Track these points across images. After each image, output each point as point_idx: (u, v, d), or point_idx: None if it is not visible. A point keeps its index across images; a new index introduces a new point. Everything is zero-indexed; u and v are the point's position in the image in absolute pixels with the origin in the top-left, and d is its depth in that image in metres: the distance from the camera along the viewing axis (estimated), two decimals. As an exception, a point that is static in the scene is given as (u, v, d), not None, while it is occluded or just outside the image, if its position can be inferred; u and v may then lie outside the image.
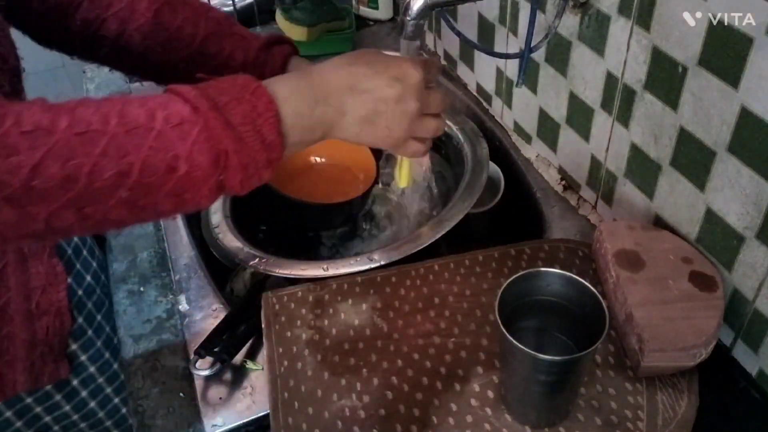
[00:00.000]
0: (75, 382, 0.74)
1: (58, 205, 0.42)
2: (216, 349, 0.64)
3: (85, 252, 0.79)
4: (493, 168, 0.88)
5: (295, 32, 1.11)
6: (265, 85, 0.47)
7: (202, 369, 0.63)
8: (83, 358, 0.75)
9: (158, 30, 0.69)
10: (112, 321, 0.77)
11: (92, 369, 0.76)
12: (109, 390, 0.78)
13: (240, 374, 0.65)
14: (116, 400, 0.79)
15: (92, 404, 0.77)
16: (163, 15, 0.68)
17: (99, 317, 0.77)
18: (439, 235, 0.71)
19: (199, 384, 0.64)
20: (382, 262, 0.69)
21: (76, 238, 0.77)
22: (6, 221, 0.41)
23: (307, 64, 0.72)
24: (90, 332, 0.76)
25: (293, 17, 1.11)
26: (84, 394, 0.76)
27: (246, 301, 0.72)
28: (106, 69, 1.18)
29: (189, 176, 0.44)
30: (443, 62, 1.13)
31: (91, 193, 0.42)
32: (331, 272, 0.69)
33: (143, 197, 0.44)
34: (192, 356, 0.64)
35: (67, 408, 0.75)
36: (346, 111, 0.51)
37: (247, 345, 0.67)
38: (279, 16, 1.13)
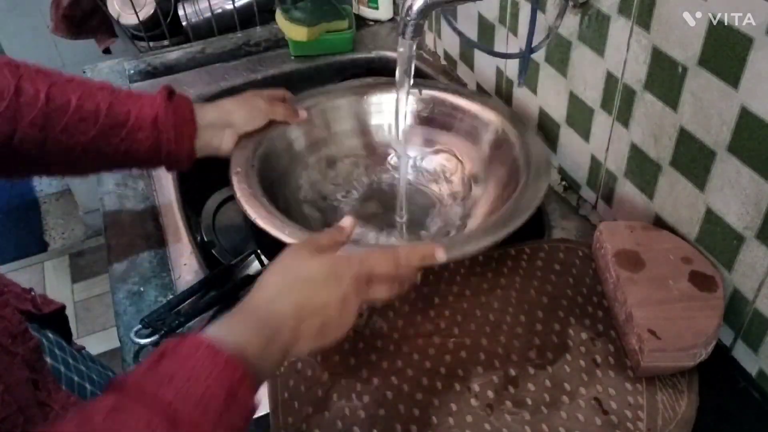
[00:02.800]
0: None
1: None
2: (160, 321, 0.66)
3: (70, 361, 0.68)
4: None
5: (296, 32, 1.11)
6: (228, 353, 0.42)
7: (141, 338, 0.65)
8: None
9: (55, 115, 0.65)
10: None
11: None
12: None
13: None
14: None
15: None
16: (55, 98, 0.65)
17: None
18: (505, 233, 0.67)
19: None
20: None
21: (58, 353, 0.67)
22: None
23: (208, 105, 0.77)
24: None
25: (293, 17, 1.11)
26: None
27: (208, 280, 0.73)
28: (105, 70, 1.18)
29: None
30: (443, 62, 1.13)
31: None
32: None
33: None
34: (136, 326, 0.66)
35: None
36: (299, 337, 0.49)
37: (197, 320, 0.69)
38: (279, 16, 1.13)
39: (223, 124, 0.78)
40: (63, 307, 0.74)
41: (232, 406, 0.41)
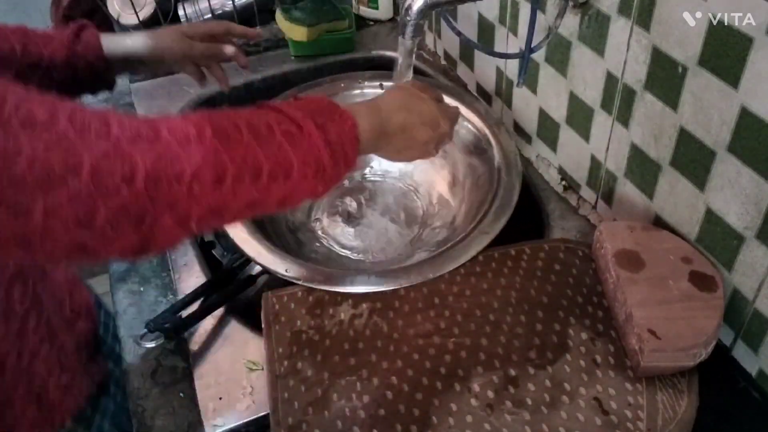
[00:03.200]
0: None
1: (206, 208, 0.44)
2: (166, 325, 0.66)
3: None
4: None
5: (296, 32, 1.11)
6: (348, 110, 0.56)
7: (147, 341, 0.65)
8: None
9: None
10: (113, 323, 0.79)
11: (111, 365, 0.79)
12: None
13: (180, 351, 0.68)
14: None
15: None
16: None
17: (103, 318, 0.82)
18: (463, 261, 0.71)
19: (199, 384, 0.64)
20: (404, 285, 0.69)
21: None
22: (167, 235, 0.43)
23: (121, 37, 0.77)
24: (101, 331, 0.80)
25: (293, 17, 1.11)
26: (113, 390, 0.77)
27: (211, 283, 0.73)
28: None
29: (297, 183, 0.50)
30: (443, 62, 1.13)
31: (230, 193, 0.45)
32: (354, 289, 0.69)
33: (263, 197, 0.48)
34: (142, 331, 0.67)
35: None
36: (391, 143, 0.62)
37: (202, 323, 0.70)
38: (279, 16, 1.13)
39: (137, 61, 0.79)
40: None
41: (340, 149, 0.53)
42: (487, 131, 0.87)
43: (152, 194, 0.40)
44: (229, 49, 0.85)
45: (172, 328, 0.66)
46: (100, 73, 0.76)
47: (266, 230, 0.78)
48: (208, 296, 0.71)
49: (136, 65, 0.80)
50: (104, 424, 0.74)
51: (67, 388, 0.68)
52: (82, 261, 0.42)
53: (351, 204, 0.92)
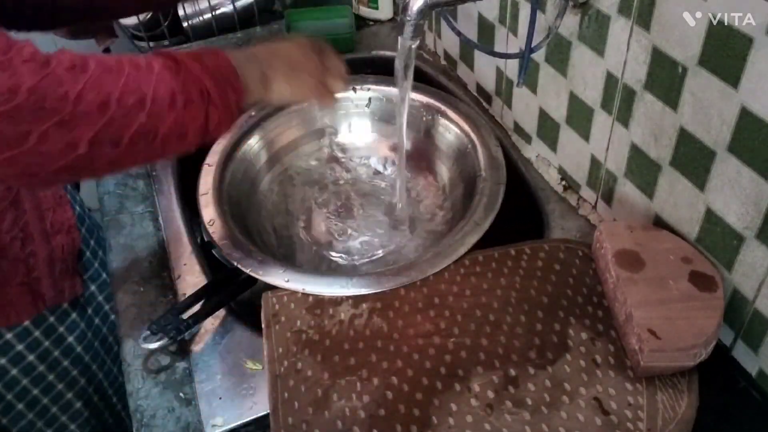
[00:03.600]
0: (82, 300, 0.87)
1: (96, 129, 0.52)
2: (169, 326, 0.66)
3: (69, 186, 0.92)
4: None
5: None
6: (223, 51, 0.63)
7: (149, 343, 0.65)
8: (85, 277, 0.88)
9: None
10: (103, 246, 0.87)
11: (93, 287, 0.89)
12: (107, 307, 0.91)
13: (180, 352, 0.69)
14: (111, 318, 0.92)
15: (97, 321, 0.90)
16: None
17: (92, 241, 0.91)
18: (447, 263, 0.71)
19: (199, 384, 0.64)
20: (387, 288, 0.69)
21: None
22: (56, 147, 0.50)
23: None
24: (88, 253, 0.90)
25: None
26: (90, 311, 0.88)
27: (212, 285, 0.73)
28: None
29: (186, 107, 0.56)
30: (443, 62, 1.13)
31: (119, 118, 0.53)
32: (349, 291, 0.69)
33: (155, 123, 0.55)
34: (144, 332, 0.67)
35: (83, 325, 0.86)
36: (274, 65, 0.68)
37: (202, 324, 0.70)
38: (285, 21, 1.15)
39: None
40: None
41: (220, 76, 0.60)
42: (471, 134, 0.87)
43: (38, 107, 0.49)
44: None
45: (175, 330, 0.66)
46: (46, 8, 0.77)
47: (256, 242, 0.78)
48: (210, 297, 0.71)
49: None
50: (66, 335, 0.84)
51: (32, 292, 0.77)
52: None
53: (335, 208, 0.92)
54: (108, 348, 0.92)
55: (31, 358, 0.81)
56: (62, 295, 0.82)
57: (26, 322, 0.78)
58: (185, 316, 0.68)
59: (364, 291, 0.67)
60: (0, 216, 0.72)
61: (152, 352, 0.68)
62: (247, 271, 0.70)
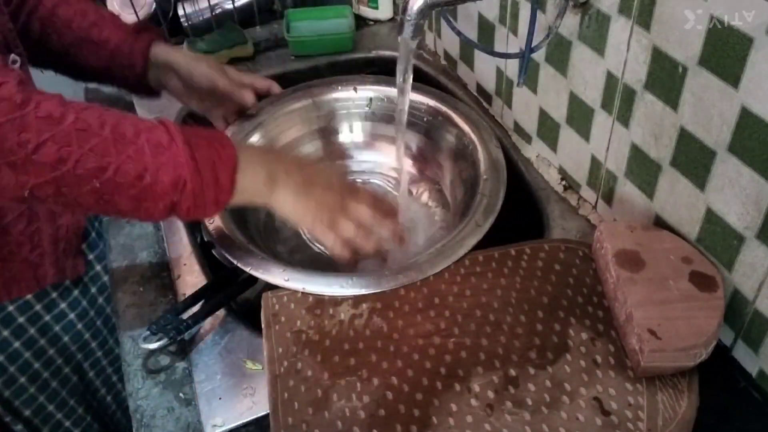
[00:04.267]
0: (86, 279, 0.89)
1: (45, 179, 0.52)
2: (169, 327, 0.67)
3: None
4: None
5: None
6: (233, 142, 0.61)
7: (149, 343, 0.65)
8: (91, 256, 0.91)
9: (54, 19, 0.79)
10: (107, 230, 0.87)
11: (98, 267, 0.91)
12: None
13: (180, 352, 0.69)
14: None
15: (101, 300, 0.92)
16: (59, 8, 0.79)
17: (97, 223, 0.94)
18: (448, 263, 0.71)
19: (199, 384, 0.64)
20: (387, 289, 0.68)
21: None
22: (5, 183, 0.52)
23: (169, 48, 0.83)
24: (93, 234, 0.92)
25: (196, 48, 1.15)
26: (94, 290, 0.90)
27: (212, 285, 0.73)
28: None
29: (151, 188, 0.55)
30: (443, 62, 1.13)
31: (72, 177, 0.53)
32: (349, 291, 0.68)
33: (110, 193, 0.54)
34: (144, 333, 0.67)
35: (85, 303, 0.88)
36: (290, 173, 0.65)
37: (201, 325, 0.70)
38: (184, 47, 1.17)
39: (174, 70, 0.82)
40: None
41: (209, 169, 0.58)
42: (472, 135, 0.87)
43: None
44: (249, 98, 0.86)
45: (174, 330, 0.66)
46: (135, 70, 0.80)
47: (256, 241, 0.78)
48: (210, 298, 0.71)
49: (169, 71, 0.82)
50: (67, 311, 0.86)
51: (34, 268, 0.79)
52: None
53: None
54: (111, 327, 0.94)
55: (31, 331, 0.83)
56: (64, 273, 0.83)
57: (28, 296, 0.80)
58: (185, 316, 0.68)
59: (364, 291, 0.67)
60: None
61: (152, 352, 0.68)
62: (248, 269, 0.70)
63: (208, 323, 0.70)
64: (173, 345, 0.68)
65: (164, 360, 0.68)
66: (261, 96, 0.89)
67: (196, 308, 0.70)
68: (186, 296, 0.72)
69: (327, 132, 0.98)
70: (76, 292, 0.87)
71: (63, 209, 0.59)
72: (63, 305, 0.85)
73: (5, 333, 0.81)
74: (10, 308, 0.80)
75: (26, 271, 0.78)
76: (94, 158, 0.53)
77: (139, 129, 0.56)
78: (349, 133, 0.98)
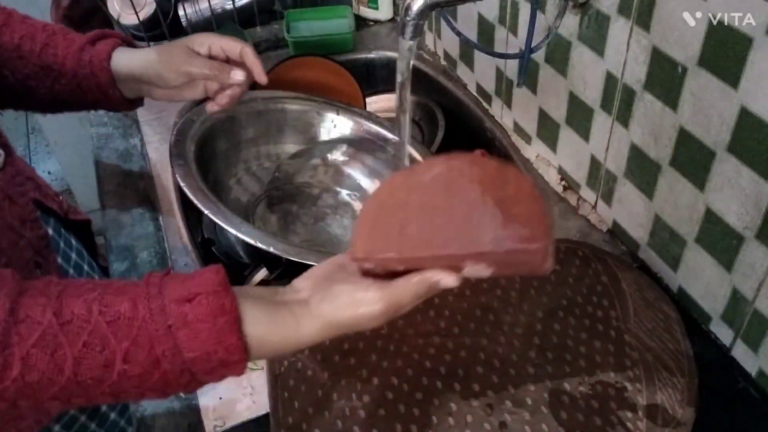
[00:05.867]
0: None
1: (47, 397, 0.42)
2: None
3: (85, 268, 0.80)
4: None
5: None
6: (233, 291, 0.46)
7: None
8: None
9: (0, 51, 0.70)
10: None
11: None
12: None
13: None
14: None
15: None
16: (2, 37, 0.70)
17: None
18: None
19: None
20: None
21: (74, 257, 0.78)
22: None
23: (129, 53, 0.73)
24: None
25: None
26: None
27: None
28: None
29: (166, 374, 0.44)
30: (443, 62, 1.13)
31: (77, 385, 0.42)
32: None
33: (128, 389, 0.44)
34: None
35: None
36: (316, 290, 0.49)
37: None
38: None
39: (144, 80, 0.74)
40: (88, 221, 0.84)
41: (216, 366, 0.46)
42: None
43: None
44: (238, 75, 0.73)
45: None
46: (103, 88, 0.73)
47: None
48: None
49: (139, 83, 0.74)
50: None
51: None
52: None
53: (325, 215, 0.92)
54: None
55: None
56: None
57: None
58: None
59: None
60: None
61: None
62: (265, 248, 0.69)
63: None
64: None
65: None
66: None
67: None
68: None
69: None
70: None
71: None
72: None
73: None
74: None
75: None
76: (94, 354, 0.42)
77: (91, 307, 0.43)
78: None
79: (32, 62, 0.71)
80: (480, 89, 1.02)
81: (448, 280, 0.45)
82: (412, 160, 0.92)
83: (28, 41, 0.71)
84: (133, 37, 1.32)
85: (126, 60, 0.73)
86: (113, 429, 0.80)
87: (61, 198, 0.80)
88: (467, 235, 0.43)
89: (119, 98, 0.75)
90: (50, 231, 0.72)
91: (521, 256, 0.43)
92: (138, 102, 0.78)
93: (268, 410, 0.59)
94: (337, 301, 0.46)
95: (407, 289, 0.47)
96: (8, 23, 0.71)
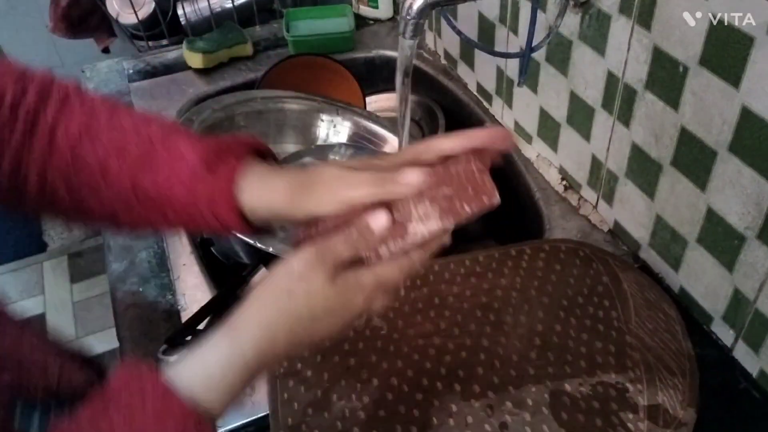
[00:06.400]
0: None
1: None
2: (188, 338, 0.65)
3: None
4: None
5: (193, 60, 1.13)
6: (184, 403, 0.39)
7: (169, 356, 0.64)
8: None
9: (79, 167, 0.48)
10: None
11: None
12: None
13: None
14: None
15: None
16: (83, 147, 0.48)
17: None
18: None
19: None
20: None
21: None
22: None
23: (264, 181, 0.47)
24: None
25: (194, 47, 1.13)
26: None
27: (224, 294, 0.72)
28: (104, 69, 1.18)
29: None
30: (443, 62, 1.12)
31: None
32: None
33: None
34: (162, 346, 0.65)
35: None
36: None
37: None
38: (183, 46, 1.15)
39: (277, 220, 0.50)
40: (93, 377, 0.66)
41: None
42: None
43: None
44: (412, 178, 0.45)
45: (189, 341, 0.65)
46: (225, 229, 0.49)
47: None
48: (221, 308, 0.70)
49: (282, 225, 0.52)
50: None
51: None
52: None
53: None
54: None
55: None
56: None
57: None
58: (201, 326, 0.68)
59: None
60: None
61: (149, 351, 0.67)
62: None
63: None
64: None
65: (164, 360, 0.67)
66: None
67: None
68: (197, 311, 0.70)
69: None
70: None
71: None
72: None
73: None
74: None
75: None
76: None
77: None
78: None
79: (118, 189, 0.48)
80: (480, 88, 1.02)
81: (378, 219, 0.42)
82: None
83: (116, 156, 0.48)
84: (132, 36, 1.31)
85: (258, 196, 0.47)
86: None
87: (58, 369, 0.61)
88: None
89: (245, 230, 0.50)
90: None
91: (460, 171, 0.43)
92: (266, 231, 0.51)
93: (268, 410, 0.59)
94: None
95: (338, 241, 0.42)
96: (92, 127, 0.48)
